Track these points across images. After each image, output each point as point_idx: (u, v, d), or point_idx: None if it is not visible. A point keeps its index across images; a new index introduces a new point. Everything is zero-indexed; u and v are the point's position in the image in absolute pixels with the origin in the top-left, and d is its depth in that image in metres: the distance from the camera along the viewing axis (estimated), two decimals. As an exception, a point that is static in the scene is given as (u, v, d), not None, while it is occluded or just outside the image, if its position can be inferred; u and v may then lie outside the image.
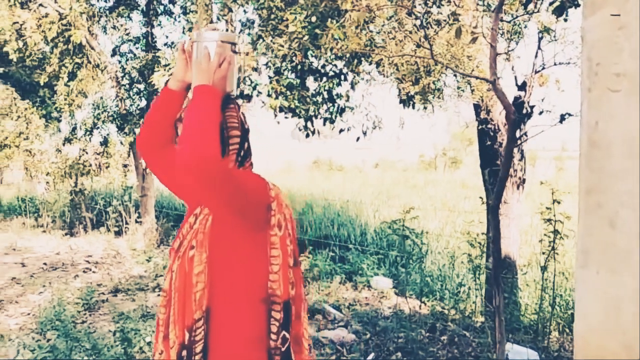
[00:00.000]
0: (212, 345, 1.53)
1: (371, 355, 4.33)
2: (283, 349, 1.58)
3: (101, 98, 9.95)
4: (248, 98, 7.26)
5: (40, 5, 8.31)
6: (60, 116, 11.97)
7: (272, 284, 1.58)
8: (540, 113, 3.72)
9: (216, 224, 1.55)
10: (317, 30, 4.46)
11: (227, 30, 7.74)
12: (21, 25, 8.20)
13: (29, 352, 3.83)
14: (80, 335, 4.34)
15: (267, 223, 1.59)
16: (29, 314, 5.30)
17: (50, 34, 8.30)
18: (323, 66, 7.41)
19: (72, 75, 9.26)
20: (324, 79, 7.46)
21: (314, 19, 5.68)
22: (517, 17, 4.00)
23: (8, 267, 7.39)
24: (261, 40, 7.01)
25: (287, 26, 4.84)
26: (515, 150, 4.80)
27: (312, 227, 9.12)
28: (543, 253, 4.46)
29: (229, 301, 1.55)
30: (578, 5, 3.52)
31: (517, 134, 4.14)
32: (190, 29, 7.48)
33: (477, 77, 3.58)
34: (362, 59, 6.60)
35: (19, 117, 11.96)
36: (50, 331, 4.52)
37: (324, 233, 8.84)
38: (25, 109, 11.81)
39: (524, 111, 4.85)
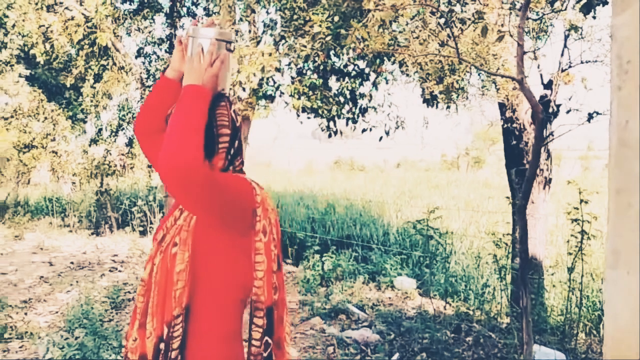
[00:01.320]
0: (189, 342, 1.54)
1: (396, 356, 4.32)
2: (265, 355, 1.59)
3: (126, 99, 10.09)
4: (271, 99, 7.30)
5: (66, 8, 8.45)
6: (86, 117, 12.17)
7: (256, 290, 1.58)
8: (568, 112, 3.67)
9: (200, 224, 1.55)
10: (342, 31, 4.45)
11: (249, 31, 7.78)
12: (47, 28, 8.34)
13: (58, 349, 3.91)
14: (108, 333, 4.40)
15: (252, 228, 1.59)
16: (57, 312, 5.40)
17: (76, 37, 8.42)
18: (345, 66, 7.42)
19: (97, 77, 9.41)
20: (346, 79, 7.47)
21: (336, 18, 5.69)
22: (543, 15, 3.96)
23: (36, 266, 7.53)
24: (284, 41, 7.04)
25: (312, 26, 4.83)
26: (542, 149, 4.74)
27: (335, 227, 9.12)
28: (570, 253, 4.40)
29: (209, 300, 1.56)
30: (606, 3, 3.47)
31: (544, 133, 4.09)
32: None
33: (503, 76, 3.54)
34: (385, 58, 6.59)
35: (45, 118, 12.18)
36: (78, 329, 4.59)
37: (347, 233, 8.83)
38: (52, 110, 12.04)
39: (550, 110, 4.79)
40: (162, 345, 1.52)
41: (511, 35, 3.14)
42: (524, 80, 2.77)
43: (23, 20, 8.29)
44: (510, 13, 3.81)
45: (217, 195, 1.48)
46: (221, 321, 1.58)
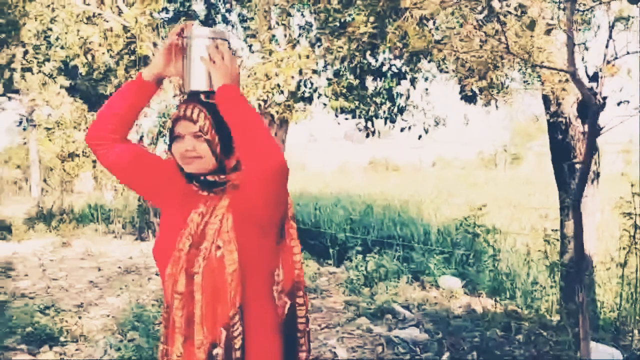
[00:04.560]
0: (246, 339, 1.57)
1: (446, 355, 4.29)
2: (307, 329, 1.70)
3: (165, 107, 10.26)
4: (309, 100, 7.34)
5: (105, 20, 8.64)
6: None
7: (298, 272, 1.67)
8: (619, 104, 3.59)
9: (239, 222, 1.58)
10: (388, 29, 4.45)
11: (285, 35, 7.84)
12: (85, 39, 8.55)
13: (115, 351, 4.01)
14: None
15: (287, 216, 1.66)
16: (108, 315, 5.53)
17: (116, 47, 8.62)
18: (381, 65, 7.40)
19: (137, 86, 9.58)
20: (383, 78, 7.46)
21: (371, 19, 5.69)
22: (592, 7, 3.89)
23: (85, 271, 7.73)
24: (320, 43, 7.07)
25: (358, 27, 4.85)
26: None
27: (374, 228, 9.10)
28: (623, 248, 4.31)
29: (257, 295, 1.61)
30: (656, -10, 3.38)
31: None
32: (250, 36, 7.61)
33: (555, 69, 3.50)
34: (421, 57, 6.55)
35: (87, 128, 12.46)
36: (130, 332, 4.70)
37: (387, 233, 8.81)
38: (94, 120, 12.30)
39: (596, 102, 4.70)
40: (217, 351, 1.53)
41: (562, 28, 3.10)
42: (576, 72, 2.73)
43: (66, 33, 8.52)
44: (560, 6, 3.76)
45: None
46: (269, 312, 1.64)
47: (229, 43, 1.61)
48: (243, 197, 1.58)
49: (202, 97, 1.61)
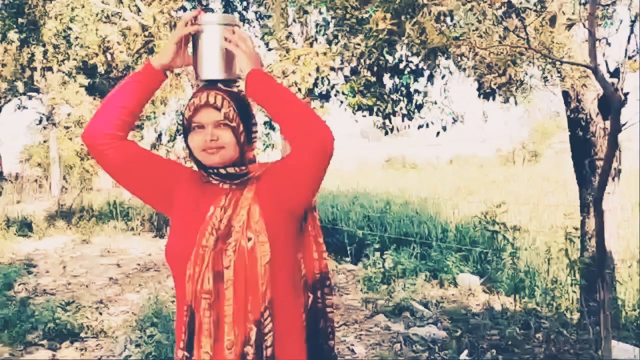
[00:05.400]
0: (275, 336, 1.50)
1: (465, 353, 4.28)
2: (332, 317, 1.66)
3: (183, 105, 10.32)
4: (327, 98, 7.35)
5: (124, 19, 8.72)
6: (142, 124, 12.53)
7: (326, 262, 1.63)
8: (643, 99, 3.55)
9: (267, 212, 1.52)
10: (406, 26, 4.44)
11: (301, 32, 7.84)
12: (104, 38, 8.63)
13: (135, 347, 4.05)
14: (180, 331, 4.53)
15: (311, 205, 1.63)
16: (128, 312, 5.59)
17: (134, 46, 8.70)
18: (399, 62, 7.37)
19: (155, 84, 9.65)
20: (401, 75, 7.43)
21: (389, 15, 5.67)
22: (614, 2, 3.84)
23: (105, 268, 7.81)
24: (337, 40, 7.06)
25: (375, 24, 4.83)
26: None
27: (392, 226, 9.08)
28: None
29: (286, 289, 1.55)
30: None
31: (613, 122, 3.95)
32: (267, 33, 7.62)
33: (577, 64, 3.46)
34: (439, 53, 6.51)
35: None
36: (150, 328, 4.74)
37: (404, 231, 8.78)
38: (112, 118, 12.42)
39: (618, 98, 4.63)
40: (247, 349, 1.46)
41: (583, 24, 3.06)
42: (598, 68, 2.70)
43: (85, 32, 8.61)
44: (580, 1, 3.72)
45: None
46: (295, 306, 1.58)
47: (239, 28, 1.58)
48: (280, 181, 1.53)
49: (220, 85, 1.57)
